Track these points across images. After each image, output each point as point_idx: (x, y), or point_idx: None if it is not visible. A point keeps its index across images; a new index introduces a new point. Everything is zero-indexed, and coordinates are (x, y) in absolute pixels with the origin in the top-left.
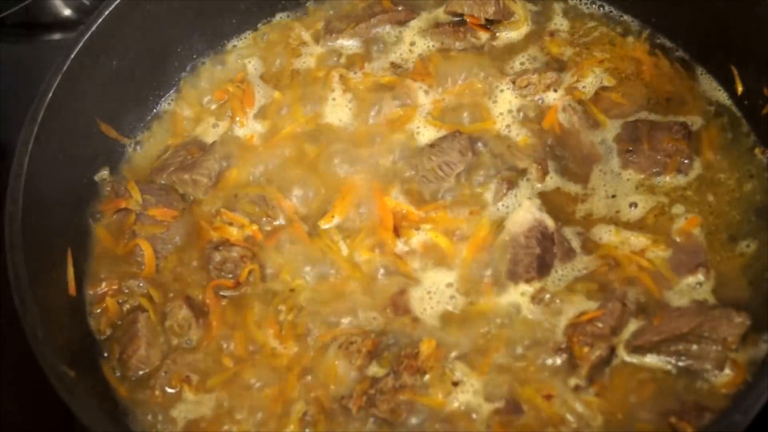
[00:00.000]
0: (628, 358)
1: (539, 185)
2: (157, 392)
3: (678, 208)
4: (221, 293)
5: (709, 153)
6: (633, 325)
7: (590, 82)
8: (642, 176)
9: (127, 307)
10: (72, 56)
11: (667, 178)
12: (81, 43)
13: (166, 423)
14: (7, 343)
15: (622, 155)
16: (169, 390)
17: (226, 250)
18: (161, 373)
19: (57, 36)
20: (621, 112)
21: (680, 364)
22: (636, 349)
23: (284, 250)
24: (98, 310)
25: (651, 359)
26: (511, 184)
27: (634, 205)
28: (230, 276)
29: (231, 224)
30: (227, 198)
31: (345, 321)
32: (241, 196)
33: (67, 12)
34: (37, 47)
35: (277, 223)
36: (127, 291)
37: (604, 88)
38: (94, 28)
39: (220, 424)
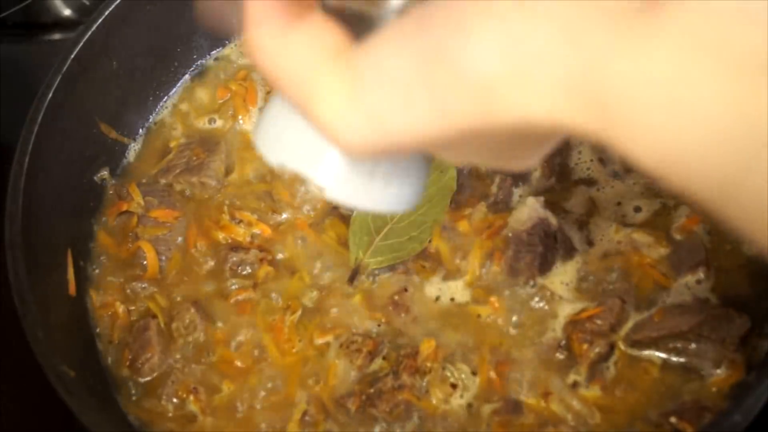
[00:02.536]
0: (627, 352)
1: (544, 182)
2: (163, 402)
3: (682, 210)
4: (230, 294)
5: None
6: (632, 322)
7: None
8: (644, 180)
9: (133, 309)
10: (72, 56)
11: None
12: (81, 43)
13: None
14: (7, 343)
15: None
16: (175, 400)
17: (244, 252)
18: (168, 382)
19: (57, 36)
20: None
21: (678, 361)
22: (634, 343)
23: (289, 245)
24: (104, 314)
25: (648, 354)
26: (516, 181)
27: (638, 209)
28: (244, 279)
29: (240, 222)
30: (232, 195)
31: (346, 320)
32: (246, 192)
33: (67, 12)
34: (37, 47)
35: (282, 217)
36: (129, 292)
37: None
38: (94, 28)
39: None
